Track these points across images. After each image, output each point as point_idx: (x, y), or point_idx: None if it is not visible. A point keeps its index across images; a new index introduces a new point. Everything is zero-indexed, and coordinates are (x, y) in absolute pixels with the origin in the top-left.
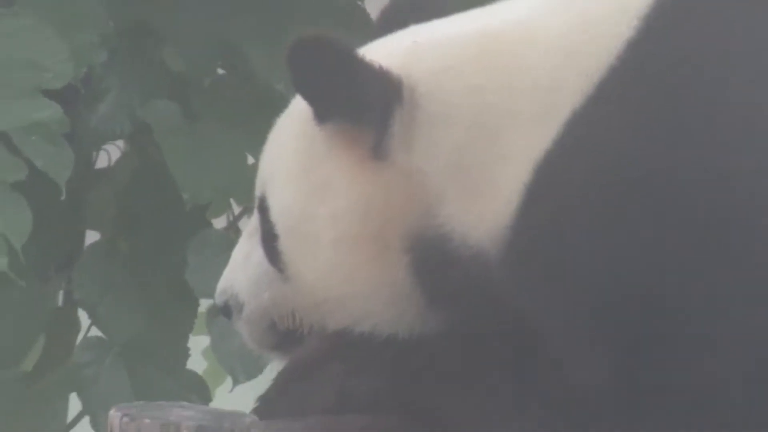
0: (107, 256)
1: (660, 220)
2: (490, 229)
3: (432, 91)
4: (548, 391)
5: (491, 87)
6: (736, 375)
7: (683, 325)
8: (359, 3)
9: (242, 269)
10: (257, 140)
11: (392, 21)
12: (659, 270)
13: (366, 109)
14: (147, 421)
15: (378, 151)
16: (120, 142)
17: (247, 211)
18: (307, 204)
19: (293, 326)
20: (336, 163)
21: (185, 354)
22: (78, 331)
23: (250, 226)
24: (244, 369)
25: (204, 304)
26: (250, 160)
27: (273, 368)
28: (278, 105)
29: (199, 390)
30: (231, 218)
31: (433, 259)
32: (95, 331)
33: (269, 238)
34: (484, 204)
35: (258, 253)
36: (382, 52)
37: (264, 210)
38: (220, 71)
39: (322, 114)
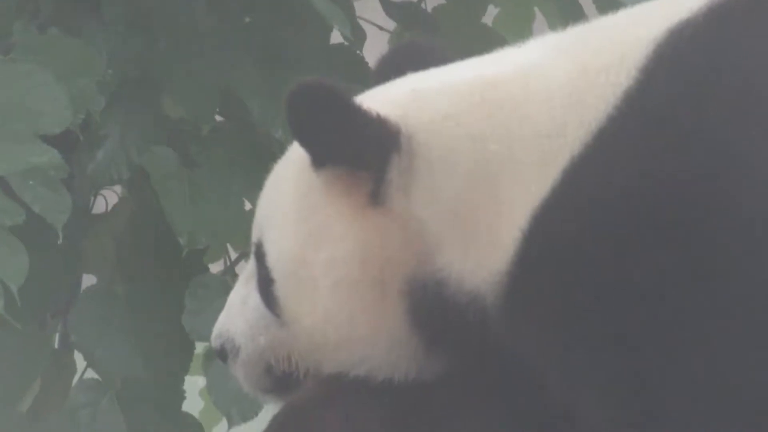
0: (104, 300)
1: (657, 271)
2: (488, 276)
3: (431, 139)
4: None
5: (491, 135)
6: (743, 420)
7: (686, 371)
8: (357, 51)
9: (239, 313)
10: (255, 186)
11: (390, 69)
12: (658, 322)
13: (363, 156)
14: None
15: (375, 197)
16: (117, 188)
17: (243, 255)
18: (305, 249)
19: (289, 370)
20: (333, 209)
21: (181, 396)
22: (74, 373)
23: (247, 270)
24: (239, 411)
25: (200, 347)
26: (248, 206)
27: (269, 411)
28: (276, 152)
29: None
30: (228, 263)
31: (431, 305)
32: (91, 374)
33: (266, 283)
34: (482, 250)
35: (254, 298)
36: (380, 99)
37: (261, 255)
38: (219, 118)
39: (319, 160)
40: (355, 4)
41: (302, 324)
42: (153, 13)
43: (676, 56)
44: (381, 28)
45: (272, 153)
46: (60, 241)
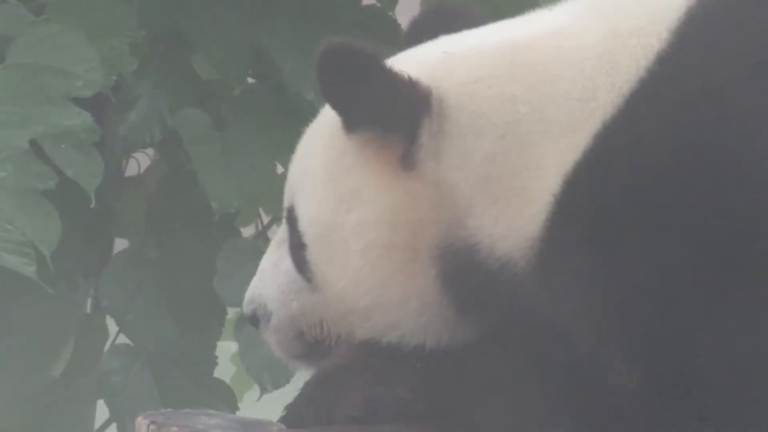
0: (136, 264)
1: (691, 233)
2: (519, 240)
3: (462, 102)
4: (578, 398)
5: (522, 98)
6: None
7: (719, 332)
8: (390, 13)
9: (270, 278)
10: (286, 149)
11: (422, 31)
12: (691, 280)
13: (394, 119)
14: (174, 428)
15: (406, 160)
16: (150, 151)
17: (275, 220)
18: (336, 213)
19: (321, 336)
20: (364, 173)
21: (213, 362)
22: (106, 338)
23: (279, 235)
24: (271, 378)
25: (232, 312)
26: (280, 169)
27: (300, 377)
28: (308, 115)
29: (225, 398)
30: (260, 227)
31: (462, 270)
32: (123, 339)
33: (298, 247)
34: (513, 215)
35: (286, 263)
36: (411, 62)
37: (292, 219)
38: (251, 80)
39: (350, 123)
40: None
41: (333, 288)
42: None
43: (708, 17)
44: None
45: (304, 116)
46: (92, 205)
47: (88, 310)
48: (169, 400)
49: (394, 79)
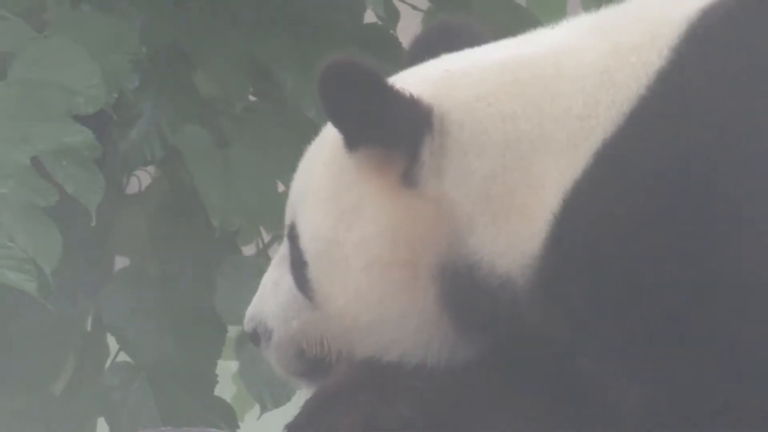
0: (136, 282)
1: (693, 252)
2: (519, 258)
3: (463, 119)
4: (578, 416)
5: (522, 114)
6: None
7: (716, 349)
8: (391, 31)
9: (271, 296)
10: (288, 167)
11: (424, 49)
12: (693, 299)
13: (396, 137)
14: None
15: (408, 178)
16: (151, 168)
17: (276, 238)
18: (337, 230)
19: (322, 353)
20: (365, 190)
21: (213, 379)
22: (107, 355)
23: (280, 253)
24: (272, 396)
25: (234, 330)
26: (281, 187)
27: (301, 395)
28: (309, 132)
29: (226, 416)
30: (260, 245)
31: (462, 288)
32: (124, 356)
33: (299, 265)
34: (513, 232)
35: (287, 280)
36: (413, 80)
37: (294, 237)
38: (252, 98)
39: (351, 140)
40: None
41: (333, 305)
42: None
43: (709, 35)
44: (414, 8)
45: (305, 133)
46: (93, 222)
47: (89, 328)
48: (169, 417)
49: (396, 96)
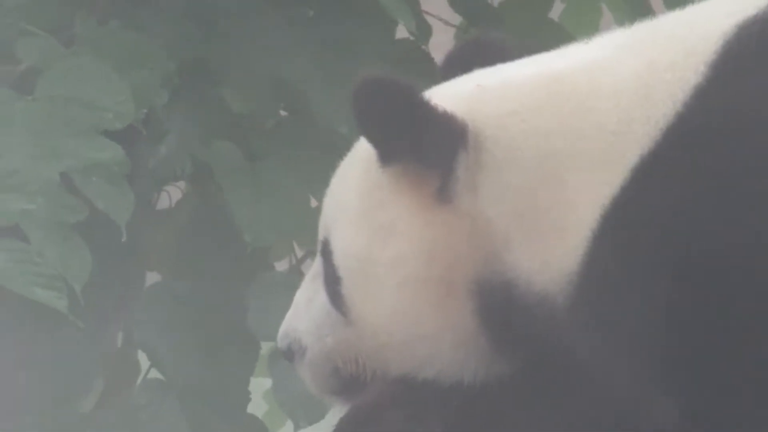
0: (167, 298)
1: (737, 269)
2: (557, 276)
3: (497, 135)
4: None
5: (558, 131)
6: None
7: (754, 369)
8: (423, 47)
9: (305, 313)
10: (320, 183)
11: (457, 65)
12: (736, 317)
13: (430, 153)
14: None
15: (442, 194)
16: (181, 183)
17: (309, 254)
18: (371, 247)
19: (356, 371)
20: (400, 206)
21: (245, 397)
22: (138, 372)
23: (313, 268)
24: (305, 413)
25: (266, 347)
26: (313, 203)
27: (335, 414)
28: (341, 147)
29: None
30: (293, 261)
31: (499, 305)
32: (155, 373)
33: (332, 281)
34: (550, 250)
35: (321, 297)
36: (446, 95)
37: (327, 253)
38: (283, 113)
39: (385, 156)
40: None
41: (368, 322)
42: (213, 3)
43: (745, 52)
44: (447, 23)
45: (337, 148)
46: (123, 239)
47: (119, 345)
48: None
49: (431, 112)
